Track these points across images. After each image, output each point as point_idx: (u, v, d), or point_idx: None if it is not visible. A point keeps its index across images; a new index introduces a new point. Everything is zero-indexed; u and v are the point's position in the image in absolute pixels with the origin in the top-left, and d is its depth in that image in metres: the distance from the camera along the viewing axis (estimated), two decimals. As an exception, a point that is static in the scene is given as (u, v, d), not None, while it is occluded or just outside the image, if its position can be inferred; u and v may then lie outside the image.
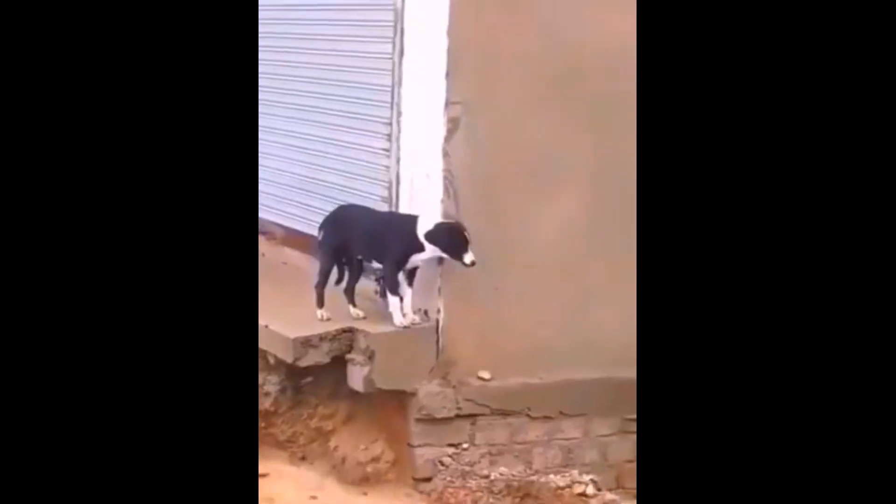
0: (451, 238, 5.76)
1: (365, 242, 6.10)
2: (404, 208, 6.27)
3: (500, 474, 5.87)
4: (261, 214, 6.70)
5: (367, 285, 6.37)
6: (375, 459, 6.10)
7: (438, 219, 5.89)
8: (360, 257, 6.20)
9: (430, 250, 5.84)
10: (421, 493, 5.92)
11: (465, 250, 5.73)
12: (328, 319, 6.11)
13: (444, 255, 5.84)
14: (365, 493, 5.83)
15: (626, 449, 6.28)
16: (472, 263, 5.74)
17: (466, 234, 5.75)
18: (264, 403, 6.05)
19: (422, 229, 5.82)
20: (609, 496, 5.58)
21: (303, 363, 5.98)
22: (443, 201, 6.01)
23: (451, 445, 6.03)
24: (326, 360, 6.01)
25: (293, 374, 6.10)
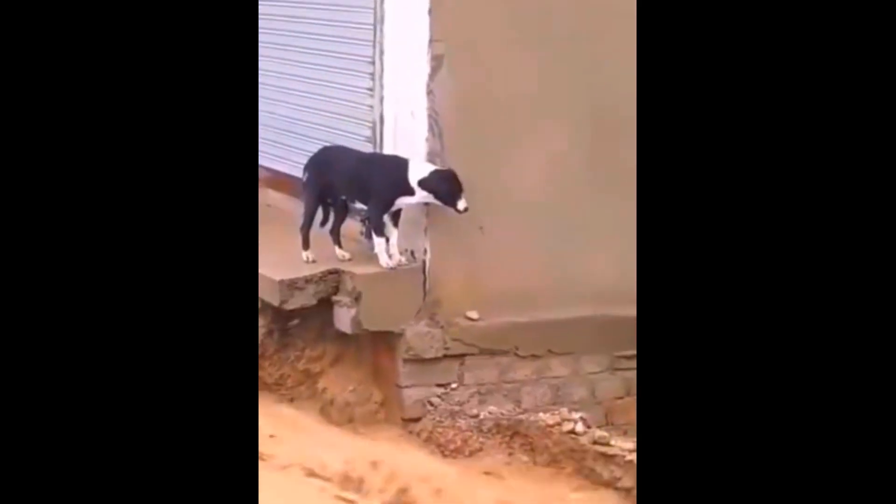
0: (448, 185, 5.75)
1: (350, 183, 6.06)
2: (389, 148, 6.22)
3: (489, 413, 5.88)
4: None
5: (352, 226, 6.33)
6: (364, 400, 6.11)
7: (430, 164, 5.85)
8: (345, 198, 6.16)
9: (421, 195, 5.82)
10: (410, 433, 5.93)
11: (460, 197, 5.74)
12: (314, 261, 6.08)
13: (436, 202, 5.81)
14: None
15: (614, 386, 6.30)
16: (466, 210, 5.76)
17: (460, 180, 5.73)
18: (251, 346, 6.03)
19: (414, 175, 5.79)
20: (598, 433, 5.58)
21: (289, 306, 5.96)
22: (427, 140, 5.96)
23: (439, 385, 6.03)
24: (313, 302, 5.99)
25: (279, 316, 6.08)
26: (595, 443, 5.52)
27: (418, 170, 5.82)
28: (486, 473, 5.59)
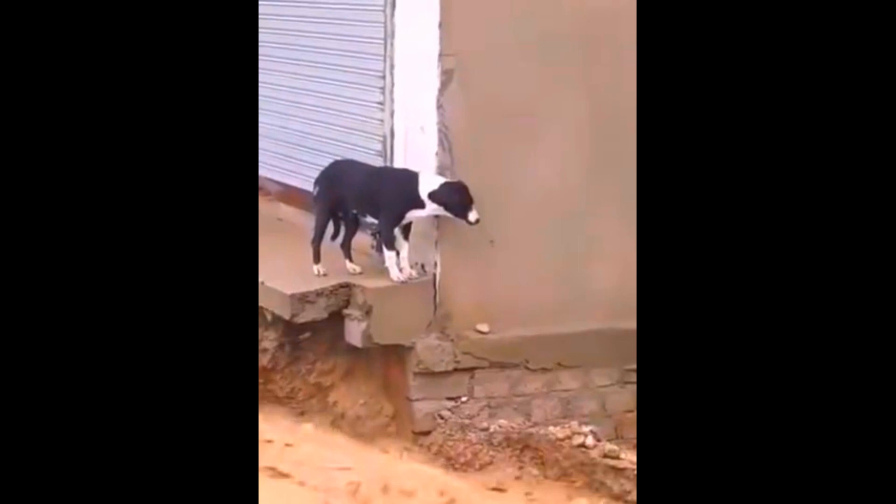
0: (458, 197, 5.77)
1: (361, 197, 6.08)
2: (399, 162, 6.24)
3: (500, 427, 5.88)
4: (255, 171, 6.65)
5: (363, 240, 6.35)
6: (375, 414, 6.12)
7: (440, 177, 5.87)
8: (355, 212, 6.18)
9: (431, 208, 5.84)
10: (420, 446, 5.93)
11: (470, 209, 5.76)
12: (325, 275, 6.10)
13: (447, 214, 5.83)
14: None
15: (624, 399, 6.29)
16: (477, 221, 5.77)
17: (470, 192, 5.75)
18: (262, 360, 6.05)
19: (425, 188, 5.81)
20: (609, 446, 5.57)
21: (300, 319, 5.98)
22: (437, 154, 5.98)
23: (449, 399, 6.04)
24: (324, 315, 6.00)
25: (291, 330, 6.10)
26: (605, 456, 5.51)
27: (429, 182, 5.84)
28: (496, 489, 5.58)
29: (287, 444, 5.36)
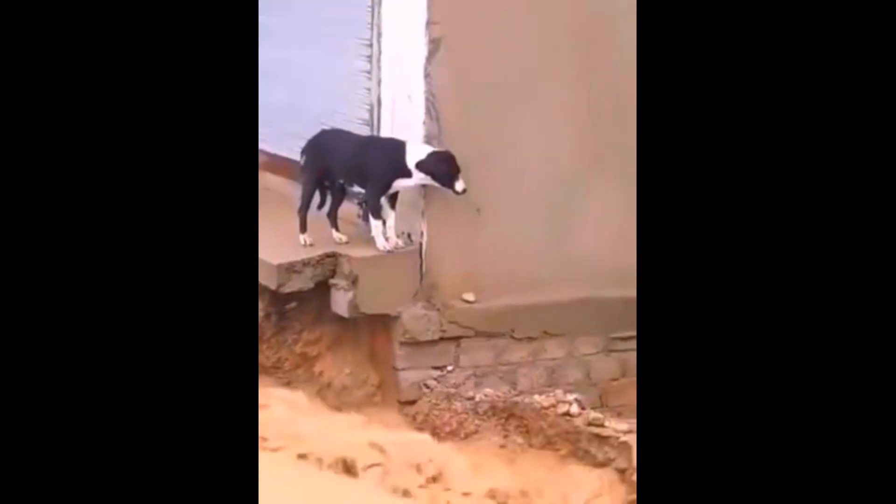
0: (445, 166, 5.77)
1: (348, 167, 6.08)
2: (386, 131, 6.23)
3: (485, 395, 5.90)
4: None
5: (350, 209, 6.35)
6: (361, 383, 6.14)
7: (427, 146, 5.86)
8: (342, 182, 6.17)
9: (418, 177, 5.84)
10: (406, 415, 5.96)
11: (457, 178, 5.77)
12: (311, 245, 6.10)
13: (434, 183, 5.83)
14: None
15: (609, 367, 6.33)
16: (464, 191, 5.78)
17: (457, 162, 5.75)
18: (249, 330, 6.04)
19: (412, 157, 5.80)
20: (593, 414, 5.60)
21: (286, 289, 5.98)
22: (425, 123, 5.97)
23: (435, 368, 6.06)
24: (310, 285, 6.01)
25: (277, 299, 6.10)
26: (590, 424, 5.54)
27: (416, 152, 5.84)
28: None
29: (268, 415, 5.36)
